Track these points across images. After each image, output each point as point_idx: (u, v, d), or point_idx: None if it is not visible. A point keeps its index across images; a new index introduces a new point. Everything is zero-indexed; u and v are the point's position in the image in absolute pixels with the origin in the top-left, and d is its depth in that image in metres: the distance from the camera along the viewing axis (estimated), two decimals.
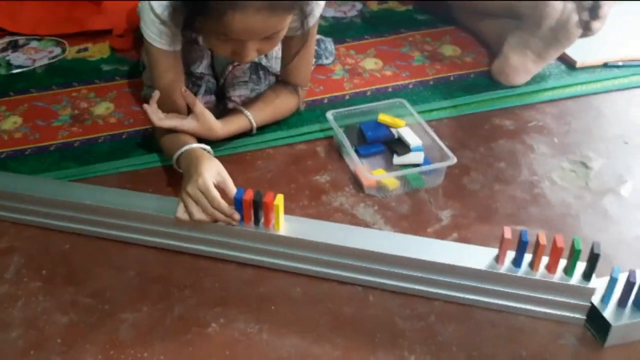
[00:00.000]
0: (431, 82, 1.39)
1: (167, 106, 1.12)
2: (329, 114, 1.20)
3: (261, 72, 1.25)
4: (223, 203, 0.93)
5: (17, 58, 1.54)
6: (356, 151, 1.15)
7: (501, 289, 0.89)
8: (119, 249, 1.02)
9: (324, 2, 1.10)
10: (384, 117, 1.19)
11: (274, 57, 1.26)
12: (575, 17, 1.24)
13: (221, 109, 1.23)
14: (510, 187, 1.12)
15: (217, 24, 0.94)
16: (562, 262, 0.87)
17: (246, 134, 1.21)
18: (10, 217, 1.07)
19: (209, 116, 1.13)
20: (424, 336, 0.87)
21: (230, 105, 1.23)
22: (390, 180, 1.09)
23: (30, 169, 1.18)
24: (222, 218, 0.94)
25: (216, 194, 0.93)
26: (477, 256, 0.90)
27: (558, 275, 0.87)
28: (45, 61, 1.52)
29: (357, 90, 1.38)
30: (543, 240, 0.84)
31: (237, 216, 0.94)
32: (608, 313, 0.84)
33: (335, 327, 0.89)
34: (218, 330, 0.88)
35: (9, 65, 1.51)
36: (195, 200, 0.94)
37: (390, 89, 1.37)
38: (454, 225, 1.04)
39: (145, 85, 1.33)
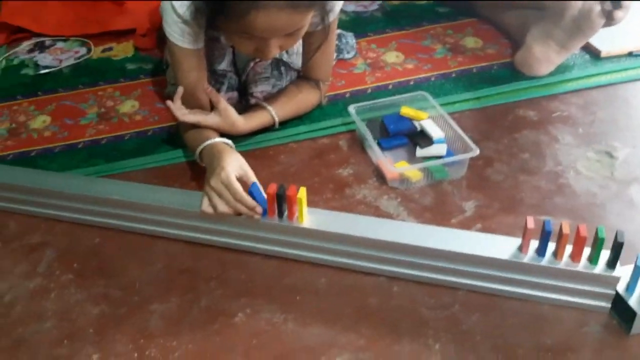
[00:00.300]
0: (453, 75, 1.39)
1: (190, 103, 1.13)
2: (351, 108, 1.21)
3: (282, 68, 1.26)
4: (246, 196, 0.94)
5: (44, 59, 1.57)
6: (379, 144, 1.15)
7: (525, 278, 0.89)
8: (146, 242, 1.04)
9: None
10: (406, 110, 1.19)
11: (295, 52, 1.27)
12: (597, 7, 1.23)
13: (243, 105, 1.24)
14: (534, 177, 1.12)
15: (239, 23, 0.95)
16: (587, 251, 0.87)
17: (269, 129, 1.23)
18: (42, 212, 1.10)
19: (232, 112, 1.14)
20: (448, 325, 0.87)
21: (253, 101, 1.24)
22: (413, 172, 1.10)
23: (59, 166, 1.21)
24: (245, 211, 0.95)
25: (238, 186, 0.95)
26: (500, 246, 0.90)
27: (582, 264, 0.86)
28: (71, 61, 1.55)
29: (379, 83, 1.38)
30: (566, 229, 0.84)
31: (259, 209, 0.95)
32: (633, 301, 0.84)
33: (360, 317, 0.89)
34: (244, 320, 0.90)
35: (36, 66, 1.55)
36: (219, 194, 0.95)
37: (412, 82, 1.37)
38: (477, 216, 1.04)
39: (168, 83, 1.36)
